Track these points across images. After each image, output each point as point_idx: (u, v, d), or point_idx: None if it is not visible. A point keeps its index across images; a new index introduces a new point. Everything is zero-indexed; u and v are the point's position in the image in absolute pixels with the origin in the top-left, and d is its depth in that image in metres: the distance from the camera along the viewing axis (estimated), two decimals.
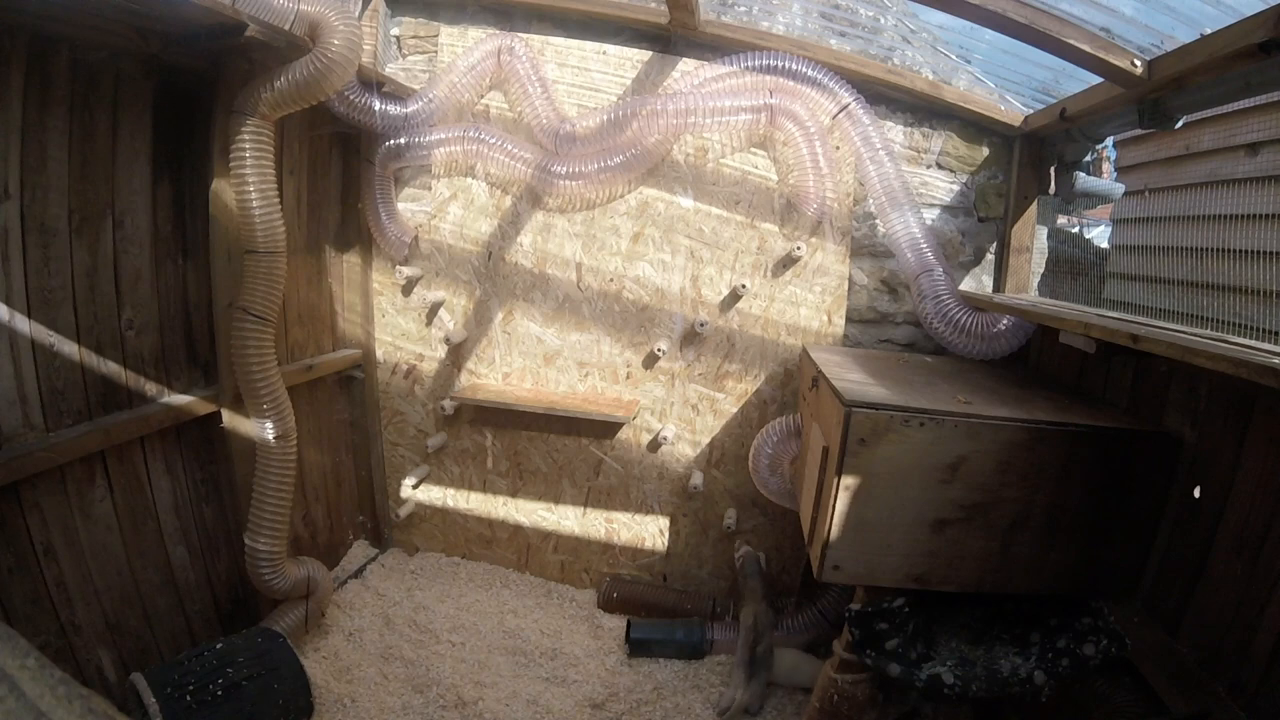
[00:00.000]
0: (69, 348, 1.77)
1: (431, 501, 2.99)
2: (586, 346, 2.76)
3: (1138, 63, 1.77)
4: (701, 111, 2.42)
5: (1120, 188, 3.97)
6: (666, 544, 2.87)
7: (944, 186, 2.59)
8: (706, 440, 2.77)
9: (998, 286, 2.61)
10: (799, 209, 2.54)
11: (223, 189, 2.03)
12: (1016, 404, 1.79)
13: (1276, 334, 2.64)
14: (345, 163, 2.72)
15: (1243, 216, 2.93)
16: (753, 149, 2.58)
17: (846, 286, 2.62)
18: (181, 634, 2.10)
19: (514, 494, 2.92)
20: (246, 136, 1.94)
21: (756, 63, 2.43)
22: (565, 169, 2.56)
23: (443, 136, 2.59)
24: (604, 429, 2.79)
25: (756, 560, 2.63)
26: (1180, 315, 3.15)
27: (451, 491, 2.97)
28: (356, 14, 2.46)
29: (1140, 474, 1.65)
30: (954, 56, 2.60)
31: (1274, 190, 2.80)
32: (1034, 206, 2.51)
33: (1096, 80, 1.98)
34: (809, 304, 2.64)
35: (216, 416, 2.14)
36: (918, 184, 2.58)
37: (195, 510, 2.15)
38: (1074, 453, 1.64)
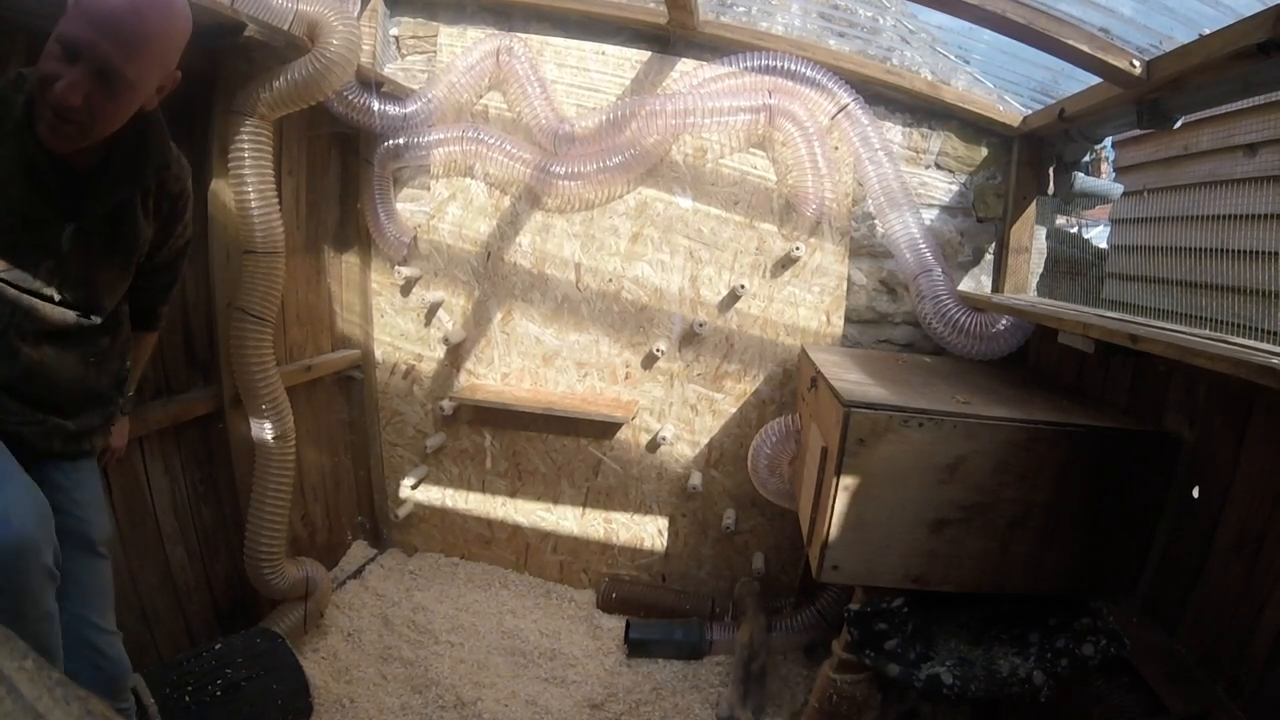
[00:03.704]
0: None
1: (430, 502, 2.99)
2: (585, 347, 2.76)
3: (1136, 63, 1.77)
4: (700, 112, 2.41)
5: (1119, 188, 3.99)
6: (665, 544, 2.87)
7: (943, 187, 2.59)
8: (705, 440, 2.77)
9: (996, 287, 2.61)
10: (798, 209, 2.54)
11: (221, 189, 2.02)
12: (1015, 404, 1.79)
13: (1276, 334, 2.65)
14: (344, 163, 2.72)
15: (1242, 217, 2.94)
16: (751, 149, 2.58)
17: (845, 287, 2.62)
18: (180, 634, 2.09)
19: (513, 494, 2.92)
20: (245, 137, 1.94)
21: (755, 63, 2.43)
22: (564, 169, 2.56)
23: (441, 137, 2.59)
24: (603, 429, 2.79)
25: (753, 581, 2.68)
26: (1179, 315, 3.16)
27: (450, 492, 2.97)
28: (355, 14, 2.45)
29: (1139, 474, 1.66)
30: (953, 57, 2.60)
31: (1273, 190, 2.80)
32: (1033, 207, 2.51)
33: (1095, 80, 1.98)
34: (807, 304, 2.64)
35: (215, 417, 2.14)
36: (916, 184, 2.58)
37: (194, 510, 2.14)
38: (1072, 453, 1.64)
